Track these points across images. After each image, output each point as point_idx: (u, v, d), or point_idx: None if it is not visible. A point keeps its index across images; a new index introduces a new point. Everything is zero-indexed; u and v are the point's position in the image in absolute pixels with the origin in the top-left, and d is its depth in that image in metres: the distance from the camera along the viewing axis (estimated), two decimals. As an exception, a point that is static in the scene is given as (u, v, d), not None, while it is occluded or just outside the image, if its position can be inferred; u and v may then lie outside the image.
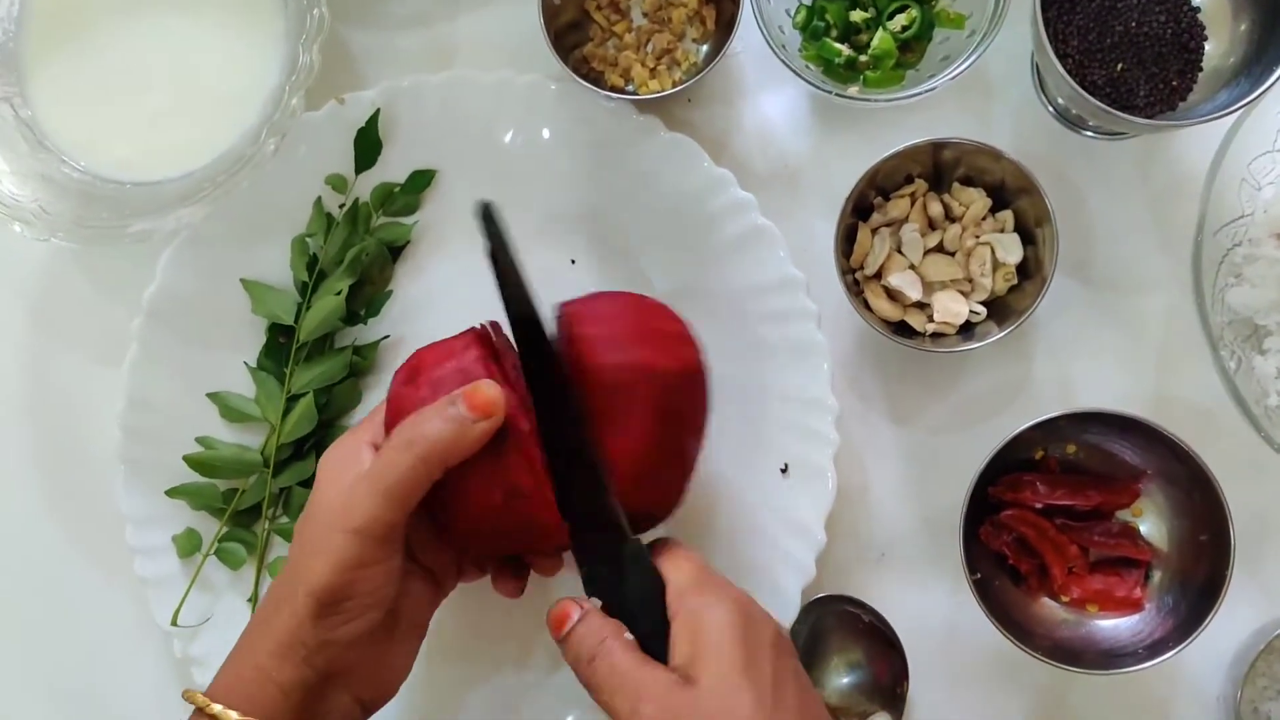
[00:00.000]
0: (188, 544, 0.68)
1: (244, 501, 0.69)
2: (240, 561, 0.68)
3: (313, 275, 0.70)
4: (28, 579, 0.73)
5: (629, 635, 0.50)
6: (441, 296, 0.71)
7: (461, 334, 0.58)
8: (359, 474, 0.52)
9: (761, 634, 0.49)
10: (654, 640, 0.50)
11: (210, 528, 0.69)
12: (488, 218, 0.52)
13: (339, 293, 0.68)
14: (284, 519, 0.70)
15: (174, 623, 0.67)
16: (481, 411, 0.51)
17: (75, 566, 0.73)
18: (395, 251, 0.71)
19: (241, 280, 0.70)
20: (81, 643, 0.73)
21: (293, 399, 0.69)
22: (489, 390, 0.52)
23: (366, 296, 0.70)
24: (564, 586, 0.59)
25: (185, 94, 0.69)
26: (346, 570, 0.50)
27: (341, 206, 0.70)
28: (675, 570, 0.52)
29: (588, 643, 0.50)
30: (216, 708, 0.50)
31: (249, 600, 0.68)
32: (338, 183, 0.70)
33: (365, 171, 0.70)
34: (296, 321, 0.69)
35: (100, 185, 0.68)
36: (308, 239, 0.70)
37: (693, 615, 0.49)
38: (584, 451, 0.52)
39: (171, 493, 0.68)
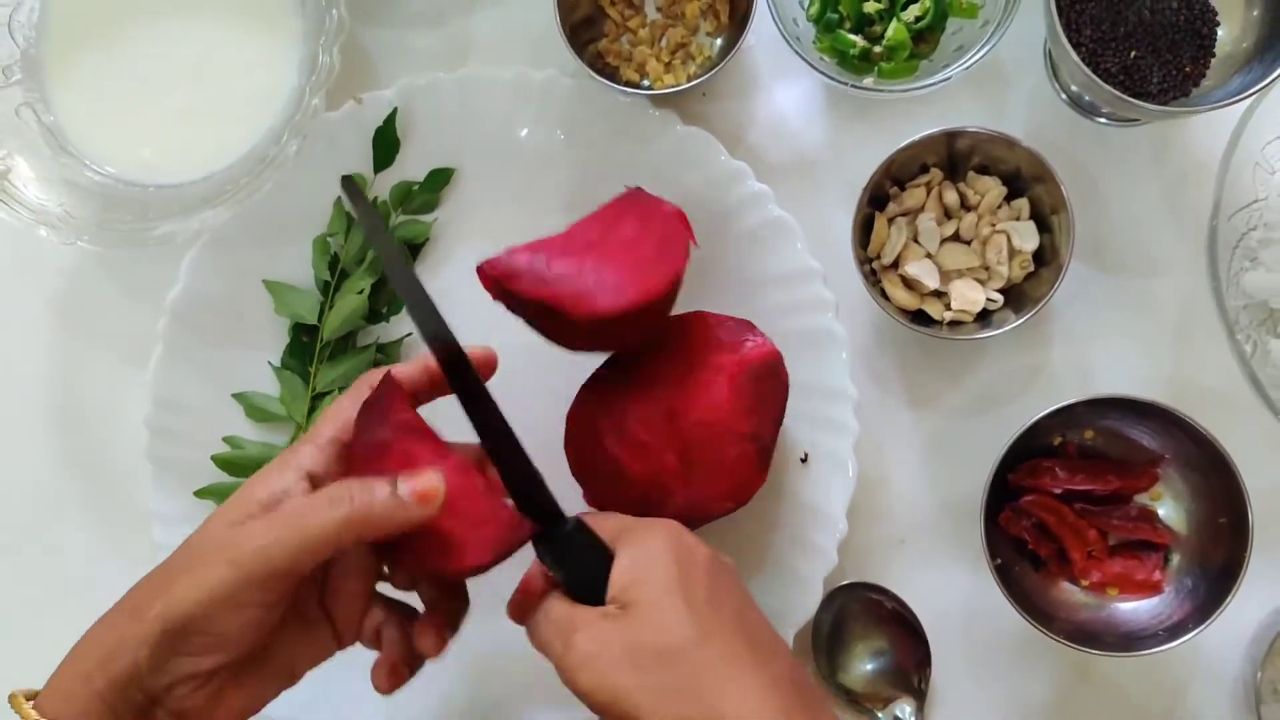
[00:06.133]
0: (217, 542, 0.69)
1: (271, 499, 0.69)
2: (269, 558, 0.69)
3: (334, 274, 0.70)
4: (57, 580, 0.74)
5: (564, 590, 0.51)
6: (461, 292, 0.71)
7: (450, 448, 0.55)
8: (274, 501, 0.50)
9: (695, 556, 0.50)
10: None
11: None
12: (353, 194, 0.54)
13: (361, 291, 0.69)
14: (310, 516, 0.70)
15: (205, 620, 0.68)
16: (423, 500, 0.49)
17: (103, 566, 0.73)
18: (415, 249, 0.71)
19: (264, 281, 0.70)
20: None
21: (317, 397, 0.70)
22: (434, 482, 0.50)
23: (388, 294, 0.71)
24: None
25: (207, 96, 0.69)
26: (210, 604, 0.46)
27: (361, 205, 0.71)
28: (608, 529, 0.52)
29: (526, 608, 0.52)
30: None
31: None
32: (357, 182, 0.71)
33: (384, 170, 0.71)
34: (319, 320, 0.70)
35: (124, 188, 0.69)
36: (329, 239, 0.71)
37: (625, 554, 0.50)
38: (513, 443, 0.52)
39: (201, 493, 0.69)
